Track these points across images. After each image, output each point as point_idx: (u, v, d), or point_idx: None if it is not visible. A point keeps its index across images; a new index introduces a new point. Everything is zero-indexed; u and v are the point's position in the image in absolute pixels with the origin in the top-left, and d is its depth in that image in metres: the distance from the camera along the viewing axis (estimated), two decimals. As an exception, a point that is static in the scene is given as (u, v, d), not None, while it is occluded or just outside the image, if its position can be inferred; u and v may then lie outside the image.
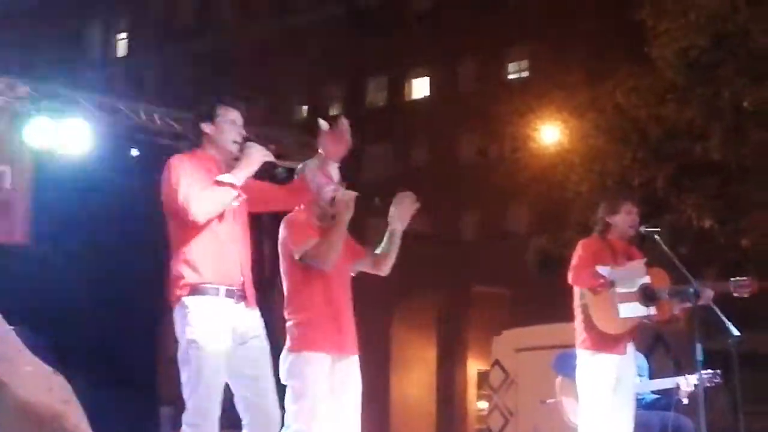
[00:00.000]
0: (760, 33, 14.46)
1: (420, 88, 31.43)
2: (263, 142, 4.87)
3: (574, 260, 5.97)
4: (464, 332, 27.84)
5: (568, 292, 6.12)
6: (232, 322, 4.44)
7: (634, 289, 5.93)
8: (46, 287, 8.88)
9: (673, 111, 15.35)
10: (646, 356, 7.33)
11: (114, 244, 9.59)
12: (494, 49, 28.75)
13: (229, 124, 4.61)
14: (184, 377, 4.38)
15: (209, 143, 4.61)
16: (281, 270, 4.98)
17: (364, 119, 29.54)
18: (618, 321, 5.88)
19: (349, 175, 5.12)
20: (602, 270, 5.82)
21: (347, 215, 4.82)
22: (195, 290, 4.40)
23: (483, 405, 22.10)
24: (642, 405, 6.68)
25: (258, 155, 4.56)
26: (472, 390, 27.61)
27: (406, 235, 5.09)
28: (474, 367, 27.33)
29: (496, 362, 12.81)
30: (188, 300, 4.40)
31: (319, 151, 4.74)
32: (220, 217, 4.45)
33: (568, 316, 6.21)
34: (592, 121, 16.51)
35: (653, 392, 7.09)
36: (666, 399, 6.93)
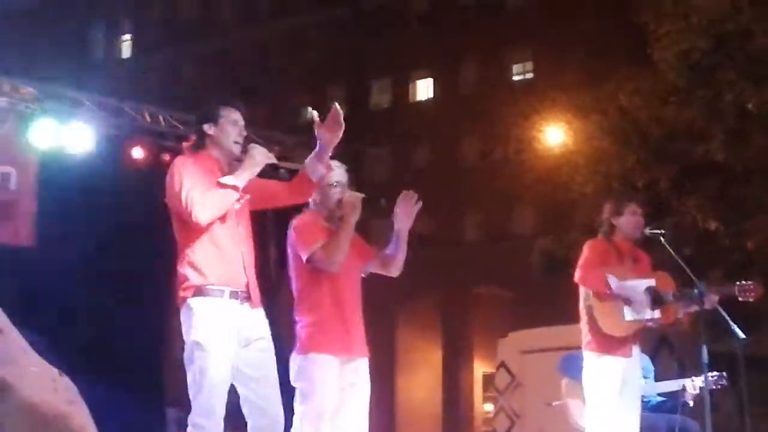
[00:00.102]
0: (762, 34, 14.45)
1: (423, 89, 31.45)
2: (266, 144, 4.88)
3: (581, 260, 5.96)
4: (469, 334, 27.85)
5: (573, 293, 6.11)
6: (237, 323, 4.44)
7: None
8: (51, 288, 8.87)
9: (675, 113, 15.35)
10: (651, 358, 7.32)
11: (119, 245, 9.58)
12: (497, 50, 28.78)
13: (231, 125, 4.62)
14: (189, 378, 4.39)
15: (212, 144, 4.62)
16: (290, 272, 4.99)
17: (368, 121, 29.56)
18: (623, 324, 5.87)
19: (353, 177, 5.13)
20: (611, 281, 5.81)
21: (354, 217, 4.83)
22: (199, 292, 4.41)
23: (489, 407, 22.10)
24: (647, 407, 6.67)
25: (260, 157, 4.56)
26: (477, 392, 27.61)
27: (410, 237, 5.10)
28: (480, 369, 27.34)
29: (502, 364, 12.80)
30: (193, 301, 4.41)
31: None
32: (223, 218, 4.46)
33: (573, 318, 6.20)
34: (595, 122, 16.52)
35: (659, 394, 7.08)
36: (672, 401, 6.92)
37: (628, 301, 5.86)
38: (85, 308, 9.22)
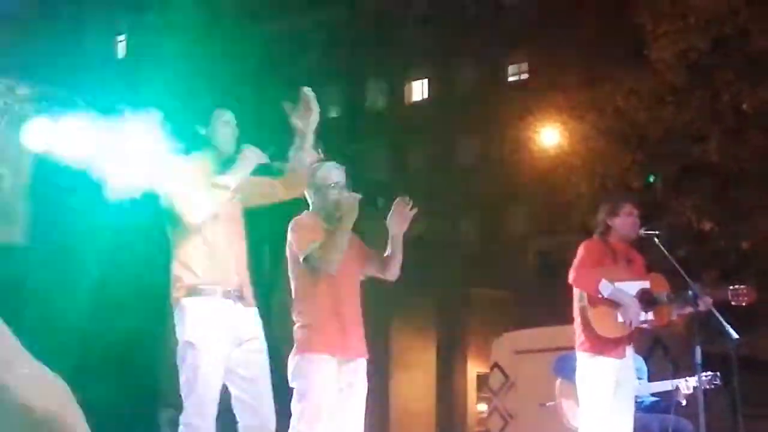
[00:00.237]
0: (759, 35, 14.47)
1: (419, 90, 31.44)
2: (262, 145, 4.87)
3: (576, 261, 5.96)
4: (464, 335, 27.84)
5: (567, 294, 6.11)
6: (229, 322, 4.45)
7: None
8: (45, 289, 8.87)
9: (672, 113, 15.36)
10: (645, 359, 7.32)
11: (114, 246, 9.57)
12: (493, 51, 28.77)
13: (223, 126, 4.63)
14: (182, 378, 4.41)
15: (204, 145, 4.63)
16: (288, 272, 4.99)
17: (363, 122, 29.56)
18: (617, 326, 5.87)
19: (349, 177, 5.12)
20: (604, 288, 5.80)
21: (351, 217, 4.83)
22: (192, 291, 4.43)
23: (482, 407, 22.10)
24: (641, 408, 6.67)
25: (253, 156, 4.57)
26: (471, 392, 27.60)
27: (406, 238, 5.10)
28: (473, 369, 27.33)
29: (496, 365, 12.78)
30: (186, 301, 4.42)
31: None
32: (215, 218, 4.47)
33: (567, 319, 6.20)
34: (591, 123, 16.53)
35: (652, 395, 7.09)
36: (665, 401, 6.92)
37: (620, 307, 5.86)
38: (79, 309, 9.22)
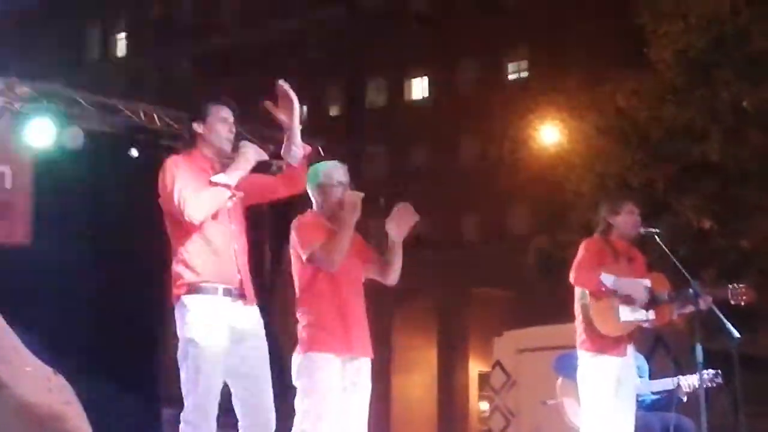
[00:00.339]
0: (759, 34, 14.47)
1: (419, 89, 31.45)
2: (261, 141, 4.88)
3: (577, 260, 5.96)
4: (465, 333, 27.85)
5: (568, 293, 6.11)
6: (230, 320, 4.45)
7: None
8: (45, 287, 8.86)
9: (673, 112, 15.36)
10: (647, 358, 7.32)
11: (115, 243, 9.57)
12: (494, 50, 28.78)
13: (220, 123, 4.62)
14: (182, 376, 4.41)
15: (202, 143, 4.63)
16: (292, 272, 4.99)
17: (364, 120, 29.56)
18: (618, 324, 5.88)
19: (350, 176, 5.12)
20: (606, 278, 5.81)
21: (354, 216, 4.82)
22: (193, 289, 4.43)
23: (484, 406, 22.06)
24: (642, 406, 6.67)
25: (252, 154, 4.57)
26: (473, 391, 27.62)
27: (407, 236, 5.09)
28: (475, 368, 27.34)
29: (497, 363, 12.80)
30: (187, 299, 4.42)
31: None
32: (215, 216, 4.47)
33: (569, 317, 6.20)
34: (592, 122, 16.52)
35: (653, 393, 7.09)
36: (666, 399, 6.92)
37: (628, 298, 5.87)
38: (81, 307, 9.20)
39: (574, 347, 6.07)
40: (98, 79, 27.38)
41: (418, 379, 28.59)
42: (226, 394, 4.50)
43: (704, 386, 5.96)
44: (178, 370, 4.42)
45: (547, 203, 18.96)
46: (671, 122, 15.31)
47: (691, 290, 5.87)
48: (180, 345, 4.42)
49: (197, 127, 4.62)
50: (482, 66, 29.41)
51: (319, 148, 8.29)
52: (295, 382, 4.82)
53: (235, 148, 4.60)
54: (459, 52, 29.49)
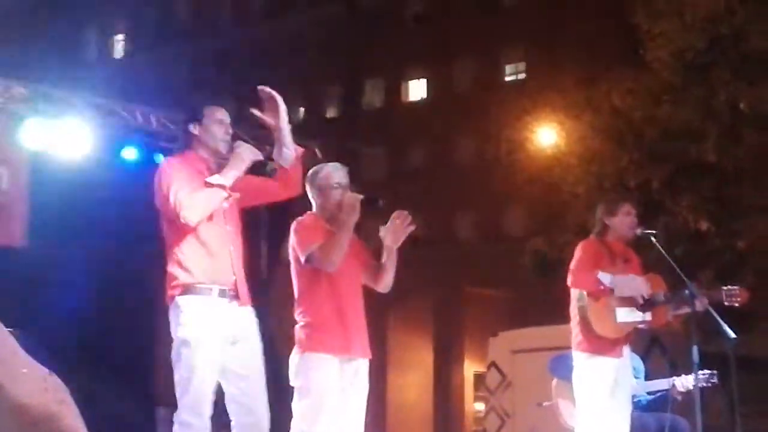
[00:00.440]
0: (755, 34, 14.48)
1: (417, 89, 31.45)
2: (258, 143, 4.88)
3: (574, 262, 5.96)
4: (461, 334, 27.83)
5: (564, 294, 6.11)
6: (225, 321, 4.46)
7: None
8: (42, 289, 8.86)
9: (669, 112, 15.37)
10: (643, 358, 7.33)
11: (110, 245, 9.56)
12: (491, 50, 28.79)
13: (216, 125, 4.63)
14: (176, 376, 4.41)
15: (198, 144, 4.63)
16: (291, 273, 4.99)
17: (361, 121, 29.54)
18: (615, 325, 5.88)
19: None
20: (603, 277, 5.82)
21: (353, 218, 4.82)
22: (187, 290, 4.43)
23: (480, 407, 22.10)
24: (638, 407, 6.68)
25: (248, 155, 4.57)
26: (468, 392, 27.59)
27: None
28: (471, 368, 27.31)
29: (493, 364, 12.79)
30: (181, 300, 4.43)
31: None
32: (210, 217, 4.47)
33: (564, 318, 6.20)
34: (588, 122, 16.53)
35: (649, 393, 7.09)
36: (661, 400, 6.92)
37: (626, 299, 5.87)
38: (76, 308, 9.21)
39: (569, 348, 6.07)
40: (96, 81, 27.34)
41: (414, 380, 28.57)
42: (220, 395, 4.50)
43: (699, 387, 5.97)
44: (172, 370, 4.43)
45: (544, 204, 18.97)
46: (667, 122, 15.32)
47: (687, 291, 5.87)
48: (174, 345, 4.43)
49: (192, 128, 4.62)
50: (480, 67, 29.42)
51: (316, 149, 8.31)
52: (292, 382, 4.83)
53: (230, 148, 4.60)
54: (456, 53, 29.50)
